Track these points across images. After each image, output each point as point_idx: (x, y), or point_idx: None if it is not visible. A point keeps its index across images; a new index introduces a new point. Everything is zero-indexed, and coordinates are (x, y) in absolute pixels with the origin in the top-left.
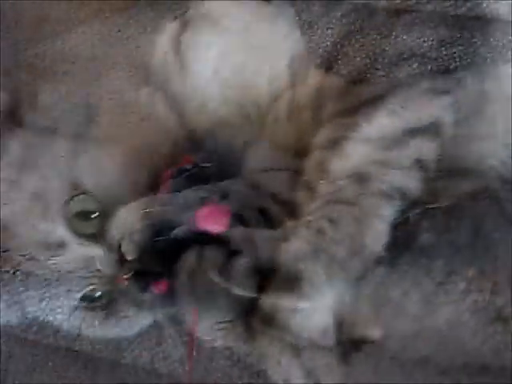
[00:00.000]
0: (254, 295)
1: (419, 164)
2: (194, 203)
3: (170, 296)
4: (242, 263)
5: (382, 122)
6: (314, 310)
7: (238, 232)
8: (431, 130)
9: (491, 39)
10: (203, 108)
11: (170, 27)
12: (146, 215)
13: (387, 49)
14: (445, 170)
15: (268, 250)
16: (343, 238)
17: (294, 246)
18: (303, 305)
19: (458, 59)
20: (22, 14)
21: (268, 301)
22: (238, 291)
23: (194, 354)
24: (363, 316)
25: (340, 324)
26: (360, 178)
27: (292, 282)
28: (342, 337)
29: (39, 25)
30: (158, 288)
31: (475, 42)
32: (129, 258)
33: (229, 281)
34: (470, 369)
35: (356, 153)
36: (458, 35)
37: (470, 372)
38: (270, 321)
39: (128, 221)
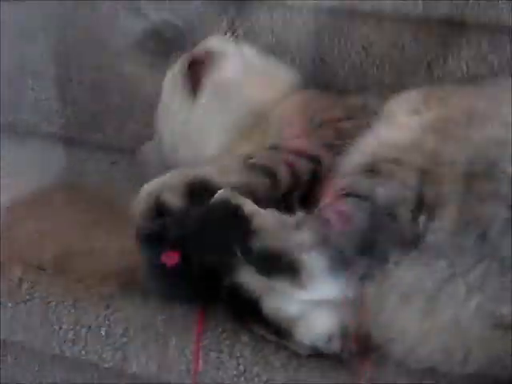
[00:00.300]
0: (265, 277)
1: (433, 163)
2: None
3: (181, 269)
4: (258, 245)
5: (400, 121)
6: (318, 317)
7: (263, 215)
8: (444, 129)
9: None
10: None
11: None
12: (187, 174)
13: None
14: (457, 172)
15: (279, 236)
16: (354, 234)
17: (299, 235)
18: (301, 295)
19: (465, 67)
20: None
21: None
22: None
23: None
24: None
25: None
26: (374, 173)
27: (293, 271)
28: (348, 344)
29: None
30: (170, 259)
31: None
32: (172, 206)
33: (248, 259)
34: (470, 376)
35: (370, 150)
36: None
37: (470, 380)
38: (274, 328)
39: (168, 178)
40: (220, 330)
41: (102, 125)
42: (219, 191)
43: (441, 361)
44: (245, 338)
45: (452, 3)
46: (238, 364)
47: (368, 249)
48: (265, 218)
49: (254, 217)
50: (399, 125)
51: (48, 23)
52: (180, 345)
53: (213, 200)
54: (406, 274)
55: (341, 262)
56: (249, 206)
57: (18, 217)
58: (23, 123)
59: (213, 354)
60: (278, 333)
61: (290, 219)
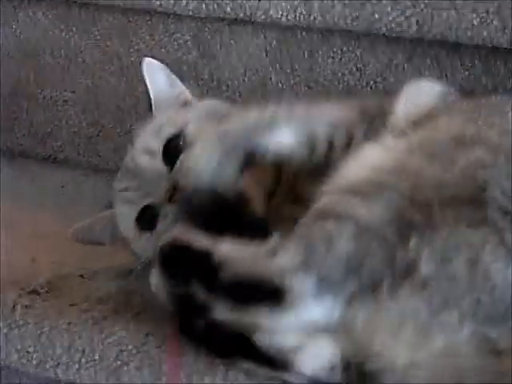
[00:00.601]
0: (241, 308)
1: (419, 185)
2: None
3: None
4: (227, 277)
5: (387, 144)
6: (320, 345)
7: (223, 247)
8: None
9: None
10: None
11: None
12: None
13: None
14: (444, 195)
15: (253, 263)
16: (339, 256)
17: (280, 260)
18: (284, 321)
19: (459, 88)
20: (23, 43)
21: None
22: (221, 308)
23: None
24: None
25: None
26: (355, 194)
27: (276, 297)
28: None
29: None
30: None
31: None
32: None
33: (217, 294)
34: None
35: (353, 173)
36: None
37: None
38: (268, 361)
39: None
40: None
41: (97, 147)
42: (164, 236)
43: None
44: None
45: (446, 24)
46: None
47: (355, 271)
48: (227, 249)
49: (212, 250)
50: (385, 147)
51: (41, 45)
52: (174, 369)
53: (160, 245)
54: (400, 304)
55: (328, 285)
56: (200, 242)
57: (13, 241)
58: (18, 146)
59: (207, 379)
60: (273, 365)
61: (261, 246)
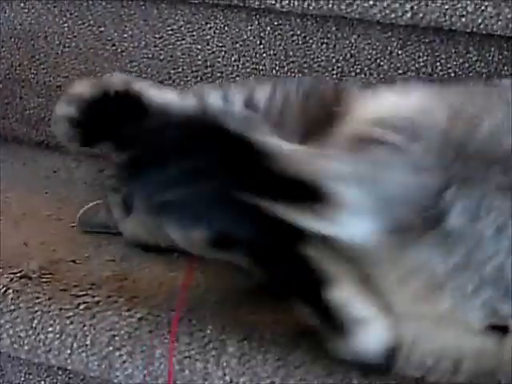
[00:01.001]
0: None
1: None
2: None
3: None
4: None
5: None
6: (383, 327)
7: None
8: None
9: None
10: None
11: None
12: None
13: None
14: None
15: (303, 161)
16: (386, 186)
17: (333, 165)
18: (333, 230)
19: (453, 75)
20: (16, 28)
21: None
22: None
23: None
24: None
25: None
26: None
27: (328, 203)
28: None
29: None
30: None
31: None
32: None
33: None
34: None
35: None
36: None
37: None
38: (330, 319)
39: None
40: (206, 340)
41: None
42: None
43: (432, 365)
44: (231, 349)
45: (440, 11)
46: (224, 374)
47: (393, 203)
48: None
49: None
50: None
51: (35, 30)
52: (166, 355)
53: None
54: (418, 254)
55: (383, 204)
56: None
57: (5, 225)
58: (11, 131)
59: (199, 364)
60: (332, 324)
61: (306, 147)
